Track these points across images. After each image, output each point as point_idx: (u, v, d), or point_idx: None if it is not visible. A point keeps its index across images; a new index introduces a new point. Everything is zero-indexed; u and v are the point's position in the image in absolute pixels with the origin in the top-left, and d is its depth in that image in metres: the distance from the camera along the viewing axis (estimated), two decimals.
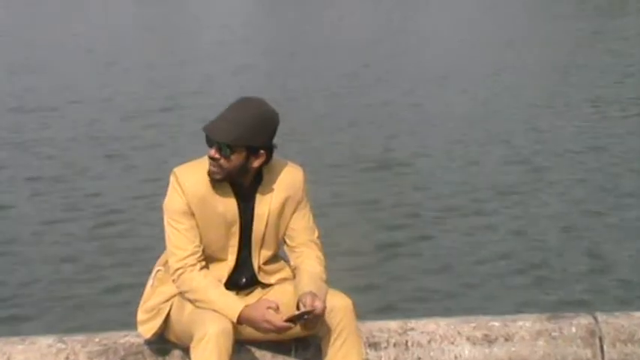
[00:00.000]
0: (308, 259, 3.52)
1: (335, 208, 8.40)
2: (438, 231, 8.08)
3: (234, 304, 3.32)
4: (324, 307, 3.28)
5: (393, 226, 8.20)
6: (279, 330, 3.25)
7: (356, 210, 8.61)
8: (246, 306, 3.30)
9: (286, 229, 3.55)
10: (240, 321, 3.28)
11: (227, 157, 3.33)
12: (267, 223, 3.48)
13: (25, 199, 9.08)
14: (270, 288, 3.55)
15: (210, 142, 3.34)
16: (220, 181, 3.38)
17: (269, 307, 3.26)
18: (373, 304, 5.90)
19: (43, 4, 31.10)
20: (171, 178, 3.44)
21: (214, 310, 3.29)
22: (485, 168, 10.16)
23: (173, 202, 3.42)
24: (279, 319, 3.23)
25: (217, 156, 3.32)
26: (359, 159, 10.48)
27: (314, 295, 3.29)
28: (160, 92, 14.73)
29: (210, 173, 3.37)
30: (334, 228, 7.48)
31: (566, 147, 11.07)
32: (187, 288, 3.38)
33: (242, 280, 3.53)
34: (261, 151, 3.37)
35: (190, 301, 3.39)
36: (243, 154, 3.35)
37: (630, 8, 27.87)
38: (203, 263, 3.44)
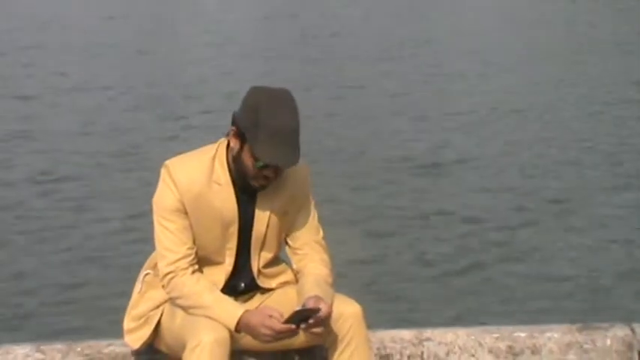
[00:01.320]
0: (312, 261, 3.41)
1: (344, 210, 8.36)
2: (456, 234, 8.01)
3: (233, 309, 3.20)
4: (331, 312, 3.16)
5: (408, 229, 8.13)
6: (279, 334, 3.13)
7: (368, 212, 8.55)
8: (245, 311, 3.18)
9: (289, 228, 3.44)
10: (239, 328, 3.15)
11: (282, 173, 3.30)
12: (268, 223, 3.37)
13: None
14: (270, 293, 3.44)
15: (267, 168, 3.24)
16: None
17: (270, 316, 3.14)
18: (385, 312, 5.84)
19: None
20: (163, 172, 3.30)
21: (210, 317, 3.17)
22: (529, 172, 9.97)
23: (164, 198, 3.29)
24: (278, 323, 3.12)
25: (277, 175, 3.27)
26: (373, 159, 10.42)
27: (319, 298, 3.17)
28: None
29: (260, 187, 3.28)
30: (343, 230, 7.42)
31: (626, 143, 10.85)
32: (179, 294, 3.26)
33: (241, 285, 3.42)
34: None
35: (183, 308, 3.27)
36: None
37: None
38: (196, 267, 3.32)
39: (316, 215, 3.49)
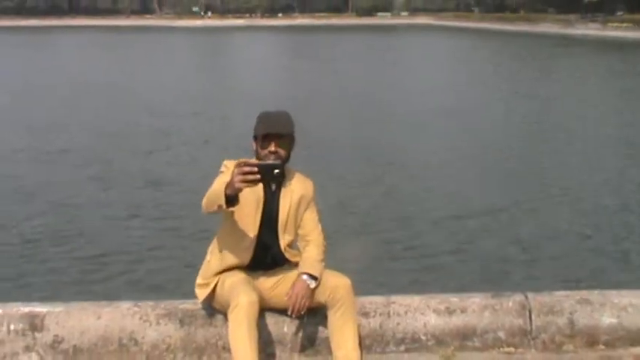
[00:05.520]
0: (311, 245, 3.60)
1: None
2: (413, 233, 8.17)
3: (223, 186, 3.26)
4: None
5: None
6: (244, 173, 3.15)
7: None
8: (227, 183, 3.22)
9: (299, 221, 3.62)
10: (227, 190, 3.20)
11: (284, 147, 3.44)
12: (289, 212, 3.55)
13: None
14: (285, 274, 3.60)
15: (267, 141, 3.38)
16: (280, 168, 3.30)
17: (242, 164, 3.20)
18: (366, 283, 5.94)
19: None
20: (223, 165, 3.51)
21: (215, 190, 3.28)
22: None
23: (224, 174, 3.43)
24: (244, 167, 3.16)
25: (278, 149, 3.41)
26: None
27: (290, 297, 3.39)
28: None
29: None
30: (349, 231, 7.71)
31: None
32: (204, 199, 3.36)
33: (268, 257, 3.57)
34: (294, 140, 3.50)
35: (208, 201, 3.33)
36: (290, 142, 3.49)
37: None
38: None
39: (317, 214, 3.68)
